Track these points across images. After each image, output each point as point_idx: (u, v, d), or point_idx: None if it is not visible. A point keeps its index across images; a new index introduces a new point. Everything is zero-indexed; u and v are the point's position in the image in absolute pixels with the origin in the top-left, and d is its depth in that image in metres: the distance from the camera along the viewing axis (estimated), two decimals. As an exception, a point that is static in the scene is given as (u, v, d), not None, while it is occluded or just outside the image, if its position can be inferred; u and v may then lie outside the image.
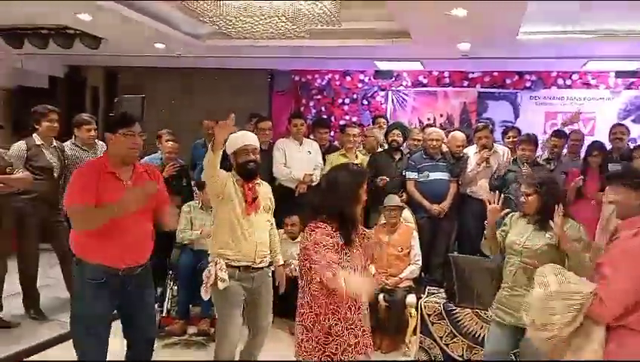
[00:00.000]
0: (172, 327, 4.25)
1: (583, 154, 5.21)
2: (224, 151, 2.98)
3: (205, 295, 3.08)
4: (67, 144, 4.65)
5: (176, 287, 4.33)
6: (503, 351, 3.08)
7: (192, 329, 4.34)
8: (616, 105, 6.87)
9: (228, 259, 3.07)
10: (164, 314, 4.19)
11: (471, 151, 5.24)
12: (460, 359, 4.00)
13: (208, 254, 4.37)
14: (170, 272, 4.39)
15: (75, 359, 2.68)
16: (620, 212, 2.44)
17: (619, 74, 6.44)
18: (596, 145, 5.13)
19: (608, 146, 5.26)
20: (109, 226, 2.58)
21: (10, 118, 6.73)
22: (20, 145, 4.30)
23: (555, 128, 6.06)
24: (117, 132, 2.73)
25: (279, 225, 3.82)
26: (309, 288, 2.42)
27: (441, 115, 7.47)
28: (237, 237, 3.08)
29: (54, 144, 4.48)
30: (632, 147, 5.20)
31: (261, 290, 3.19)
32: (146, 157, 4.79)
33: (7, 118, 6.61)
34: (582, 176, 4.89)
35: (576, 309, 2.23)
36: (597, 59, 5.91)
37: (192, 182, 5.16)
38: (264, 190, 3.28)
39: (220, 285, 3.01)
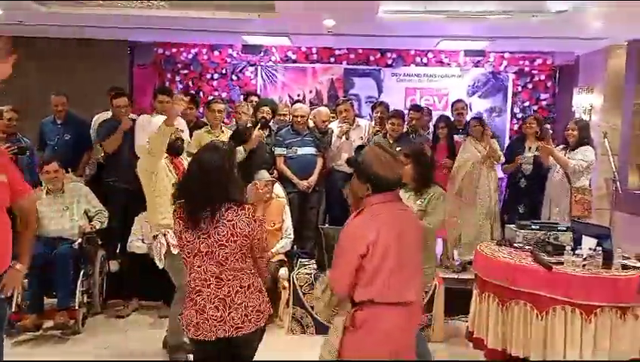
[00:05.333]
0: (23, 323, 3.87)
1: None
2: None
3: (160, 263, 3.44)
4: None
5: (25, 280, 3.92)
6: None
7: (48, 323, 4.01)
8: (466, 82, 7.50)
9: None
10: (13, 310, 3.78)
11: (334, 125, 5.42)
12: (330, 325, 4.16)
13: (63, 240, 4.10)
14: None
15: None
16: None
17: (467, 52, 7.00)
18: (442, 119, 5.73)
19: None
20: None
21: None
22: None
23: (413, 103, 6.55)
24: None
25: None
26: None
27: (311, 91, 7.59)
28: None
29: None
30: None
31: None
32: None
33: None
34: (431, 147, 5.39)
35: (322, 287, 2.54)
36: (448, 38, 6.35)
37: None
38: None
39: (174, 250, 3.29)
